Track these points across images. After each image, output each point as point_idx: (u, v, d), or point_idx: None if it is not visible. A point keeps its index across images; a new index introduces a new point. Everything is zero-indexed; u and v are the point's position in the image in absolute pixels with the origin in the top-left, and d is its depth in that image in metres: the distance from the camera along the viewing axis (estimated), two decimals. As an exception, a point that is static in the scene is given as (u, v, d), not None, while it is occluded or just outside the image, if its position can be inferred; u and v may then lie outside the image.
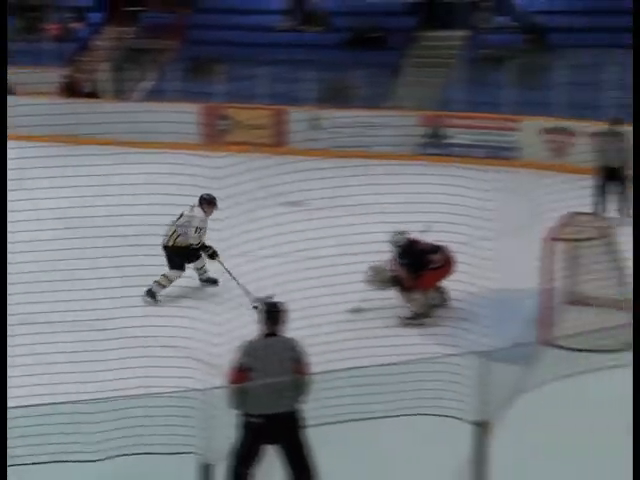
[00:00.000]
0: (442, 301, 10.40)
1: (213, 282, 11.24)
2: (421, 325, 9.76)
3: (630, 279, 10.28)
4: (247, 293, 10.09)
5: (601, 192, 14.36)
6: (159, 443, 5.60)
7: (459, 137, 19.34)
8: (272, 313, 6.67)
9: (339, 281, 8.71)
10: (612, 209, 14.01)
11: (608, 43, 19.46)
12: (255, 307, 7.14)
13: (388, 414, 5.25)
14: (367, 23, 22.34)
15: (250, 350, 6.54)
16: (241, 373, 6.43)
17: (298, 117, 18.85)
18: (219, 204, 10.51)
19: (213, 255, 10.93)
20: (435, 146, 19.37)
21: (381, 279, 10.19)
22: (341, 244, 8.71)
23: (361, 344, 9.29)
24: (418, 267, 10.17)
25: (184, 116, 17.34)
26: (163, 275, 10.89)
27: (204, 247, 10.98)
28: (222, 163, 7.91)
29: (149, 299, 10.76)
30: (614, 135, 14.60)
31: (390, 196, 9.37)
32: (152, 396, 5.84)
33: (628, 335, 8.58)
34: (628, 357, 8.20)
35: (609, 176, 14.47)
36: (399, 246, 10.31)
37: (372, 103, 20.04)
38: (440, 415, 5.16)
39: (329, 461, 7.28)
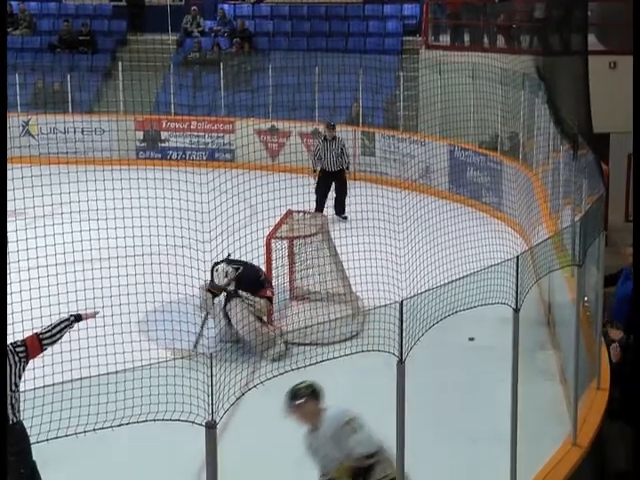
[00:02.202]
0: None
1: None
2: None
3: (347, 274, 10.76)
4: None
5: (321, 194, 15.02)
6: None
7: (176, 140, 19.37)
8: None
9: (62, 290, 8.49)
10: (331, 208, 14.80)
11: (309, 47, 20.28)
12: None
13: (119, 423, 5.17)
14: (74, 26, 21.87)
15: None
16: None
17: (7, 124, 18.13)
18: None
19: None
20: (152, 150, 19.28)
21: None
22: (62, 252, 8.50)
23: (86, 354, 9.12)
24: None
25: None
26: None
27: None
28: None
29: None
30: (331, 140, 15.19)
31: (110, 202, 9.24)
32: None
33: (346, 327, 8.97)
34: (346, 349, 8.58)
35: (329, 179, 15.16)
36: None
37: (84, 108, 19.65)
38: (172, 420, 5.14)
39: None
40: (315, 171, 15.19)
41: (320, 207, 14.84)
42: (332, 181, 15.20)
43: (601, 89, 12.93)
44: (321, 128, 15.66)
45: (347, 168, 15.36)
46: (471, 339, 10.28)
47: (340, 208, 15.07)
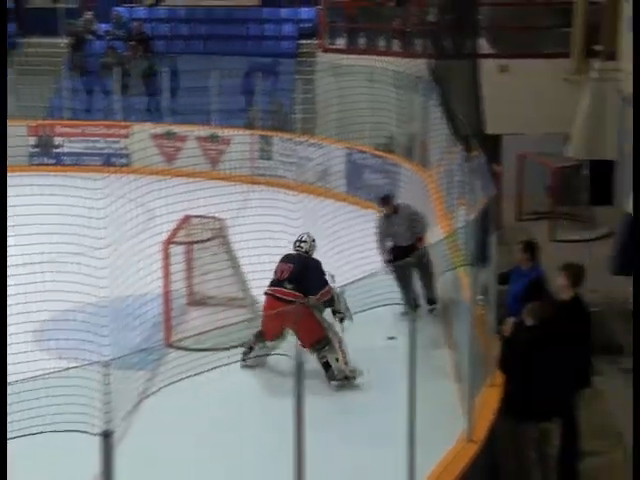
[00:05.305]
0: None
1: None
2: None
3: (246, 278, 10.76)
4: None
5: (402, 284, 9.84)
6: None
7: (70, 146, 19.07)
8: None
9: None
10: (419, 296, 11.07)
11: (206, 50, 20.21)
12: None
13: (14, 435, 5.08)
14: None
15: None
16: None
17: None
18: None
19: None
20: (46, 156, 18.95)
21: None
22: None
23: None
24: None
25: None
26: None
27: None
28: None
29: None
30: (392, 214, 11.40)
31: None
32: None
33: (242, 332, 8.99)
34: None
35: (402, 257, 10.58)
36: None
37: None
38: (67, 430, 5.08)
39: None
40: (385, 252, 11.28)
41: (408, 300, 9.70)
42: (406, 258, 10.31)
43: (495, 91, 13.19)
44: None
45: (420, 239, 11.22)
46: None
47: (429, 293, 11.07)
